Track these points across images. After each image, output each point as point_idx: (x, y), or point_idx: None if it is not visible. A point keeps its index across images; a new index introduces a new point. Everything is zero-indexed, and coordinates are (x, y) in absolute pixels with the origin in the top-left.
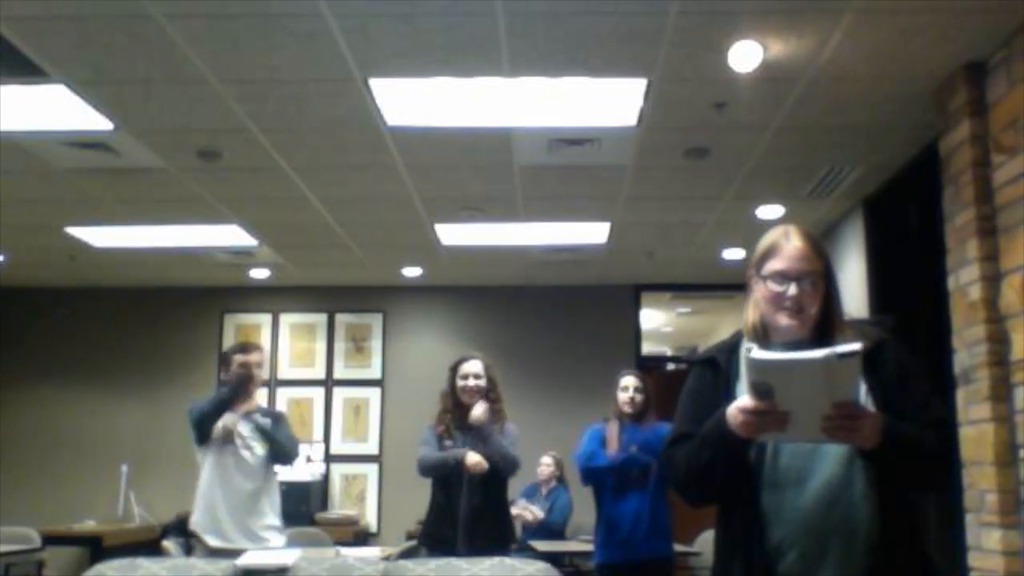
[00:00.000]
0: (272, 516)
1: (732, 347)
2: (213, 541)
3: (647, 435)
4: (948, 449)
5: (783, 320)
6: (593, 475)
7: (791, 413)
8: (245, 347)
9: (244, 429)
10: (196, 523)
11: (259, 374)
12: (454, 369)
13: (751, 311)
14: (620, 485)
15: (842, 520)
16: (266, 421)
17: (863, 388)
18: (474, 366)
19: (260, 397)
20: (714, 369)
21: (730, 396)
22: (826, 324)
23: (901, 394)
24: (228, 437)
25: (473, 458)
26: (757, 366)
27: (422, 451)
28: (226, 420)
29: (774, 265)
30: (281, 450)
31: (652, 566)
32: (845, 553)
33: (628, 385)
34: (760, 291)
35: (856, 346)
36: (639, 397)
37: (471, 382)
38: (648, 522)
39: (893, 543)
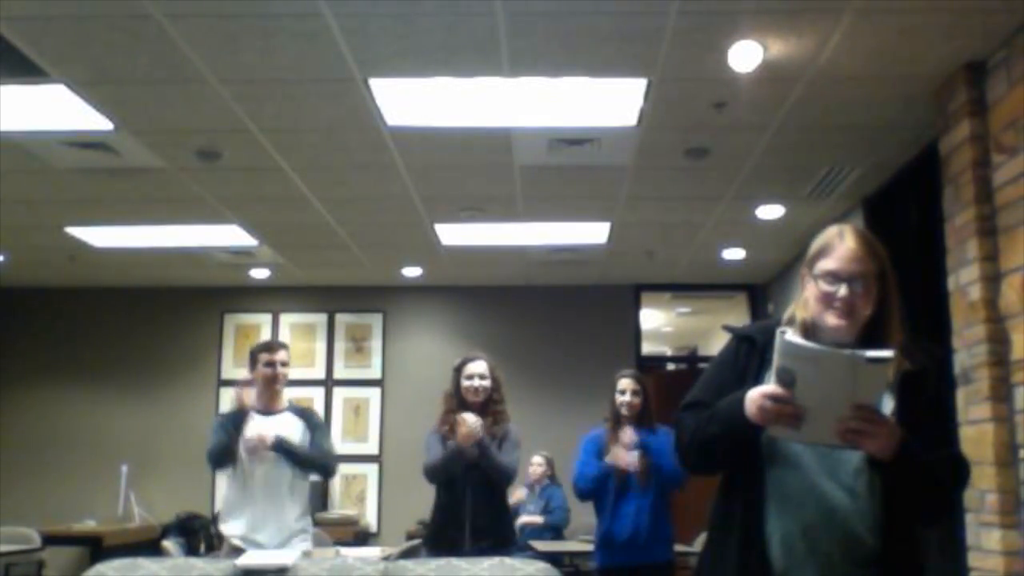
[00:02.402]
0: (301, 520)
1: (773, 330)
2: (237, 540)
3: (659, 440)
4: (959, 482)
5: (832, 320)
6: (587, 487)
7: (808, 411)
8: (271, 346)
9: (272, 433)
10: (225, 526)
11: (285, 372)
12: (458, 369)
13: (800, 310)
14: (622, 488)
15: (841, 528)
16: (300, 424)
17: (890, 408)
18: (479, 366)
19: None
20: (750, 347)
21: (759, 376)
22: (877, 329)
23: (926, 426)
24: (256, 449)
25: (465, 425)
26: (785, 348)
27: (427, 457)
28: (253, 433)
29: (826, 265)
30: (316, 468)
31: (652, 570)
32: (836, 560)
33: (625, 388)
34: (811, 290)
35: (888, 353)
36: (636, 400)
37: (476, 382)
38: (649, 527)
39: (890, 561)
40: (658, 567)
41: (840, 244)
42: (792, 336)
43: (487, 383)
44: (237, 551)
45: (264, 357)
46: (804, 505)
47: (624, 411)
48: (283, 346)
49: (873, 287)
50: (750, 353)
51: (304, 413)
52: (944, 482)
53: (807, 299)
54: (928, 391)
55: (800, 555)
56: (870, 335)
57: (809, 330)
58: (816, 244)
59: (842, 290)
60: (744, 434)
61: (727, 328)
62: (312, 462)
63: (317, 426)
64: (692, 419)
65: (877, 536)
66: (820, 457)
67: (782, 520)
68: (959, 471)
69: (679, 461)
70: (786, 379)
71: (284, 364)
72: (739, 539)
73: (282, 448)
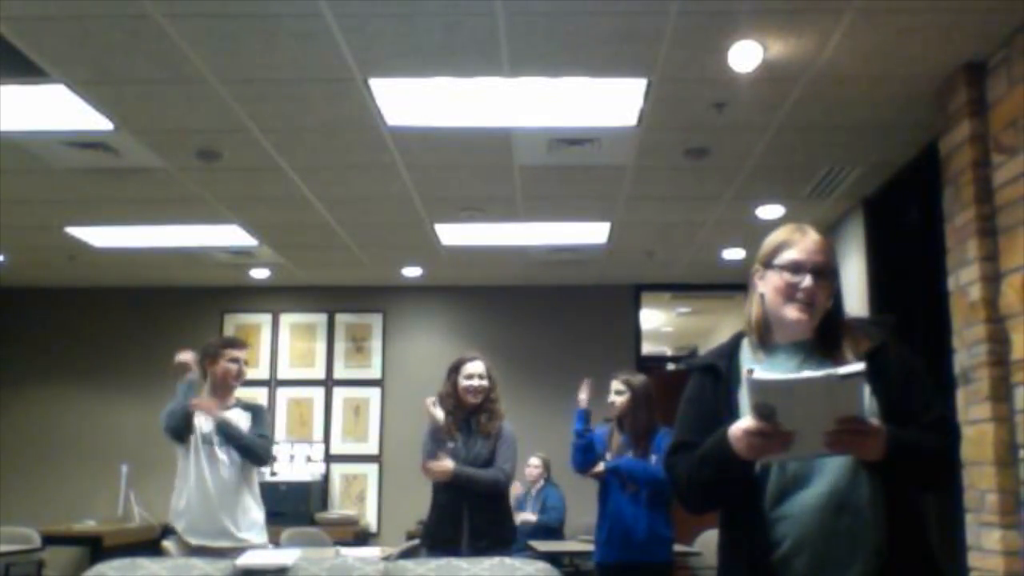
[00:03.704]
0: (255, 512)
1: (732, 351)
2: (194, 540)
3: (637, 467)
4: (951, 448)
5: (792, 313)
6: (580, 444)
7: (794, 432)
8: (235, 342)
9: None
10: (177, 522)
11: (245, 371)
12: (456, 369)
13: (755, 307)
14: (621, 485)
15: (848, 525)
16: (245, 415)
17: (867, 392)
18: (478, 366)
19: (258, 396)
20: (714, 375)
21: (731, 402)
22: (830, 326)
23: (904, 396)
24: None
25: (435, 464)
26: (757, 387)
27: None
28: (201, 422)
29: (791, 255)
30: (248, 454)
31: (651, 569)
32: (851, 557)
33: (611, 389)
34: (771, 281)
35: (859, 366)
36: (619, 399)
37: (476, 382)
38: (648, 525)
39: (899, 547)
40: (656, 568)
41: (803, 237)
42: (760, 374)
43: (486, 383)
44: (193, 548)
45: (229, 353)
46: (808, 513)
47: (609, 412)
48: (247, 345)
49: (831, 282)
50: (716, 382)
51: (251, 407)
52: (936, 452)
53: (761, 296)
54: (894, 360)
55: (817, 563)
56: (823, 332)
57: (764, 330)
58: (773, 240)
59: (806, 280)
60: (739, 471)
61: (688, 366)
62: (249, 447)
63: (258, 417)
64: (683, 464)
65: (883, 526)
66: (814, 465)
67: (789, 534)
68: (948, 435)
69: (680, 504)
70: (765, 412)
71: (246, 363)
72: (748, 563)
73: (224, 430)
